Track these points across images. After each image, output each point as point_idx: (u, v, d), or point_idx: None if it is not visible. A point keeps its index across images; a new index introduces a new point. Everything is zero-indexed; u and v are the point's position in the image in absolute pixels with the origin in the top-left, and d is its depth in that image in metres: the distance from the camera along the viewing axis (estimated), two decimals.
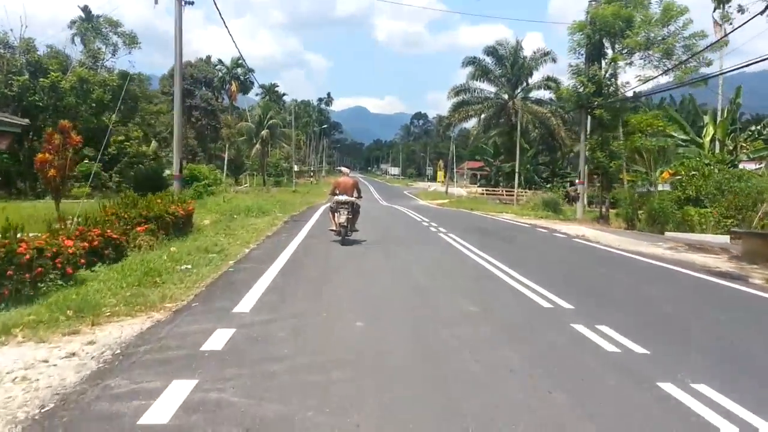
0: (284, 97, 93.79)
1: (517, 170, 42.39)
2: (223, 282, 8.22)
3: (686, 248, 15.84)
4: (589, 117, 26.84)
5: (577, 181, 25.33)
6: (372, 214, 23.82)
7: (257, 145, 67.30)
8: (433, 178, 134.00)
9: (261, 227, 15.49)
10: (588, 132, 27.90)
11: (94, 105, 30.21)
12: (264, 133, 66.82)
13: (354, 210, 13.13)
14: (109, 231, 9.31)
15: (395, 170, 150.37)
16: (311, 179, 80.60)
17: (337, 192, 13.17)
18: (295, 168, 51.92)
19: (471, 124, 62.86)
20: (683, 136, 28.97)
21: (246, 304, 6.80)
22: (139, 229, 10.86)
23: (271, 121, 67.94)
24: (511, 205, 40.69)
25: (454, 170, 65.75)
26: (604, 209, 25.98)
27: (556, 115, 52.36)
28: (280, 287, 7.90)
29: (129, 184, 30.34)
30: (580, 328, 6.31)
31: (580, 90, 24.15)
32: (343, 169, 16.35)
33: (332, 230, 13.14)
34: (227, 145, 46.54)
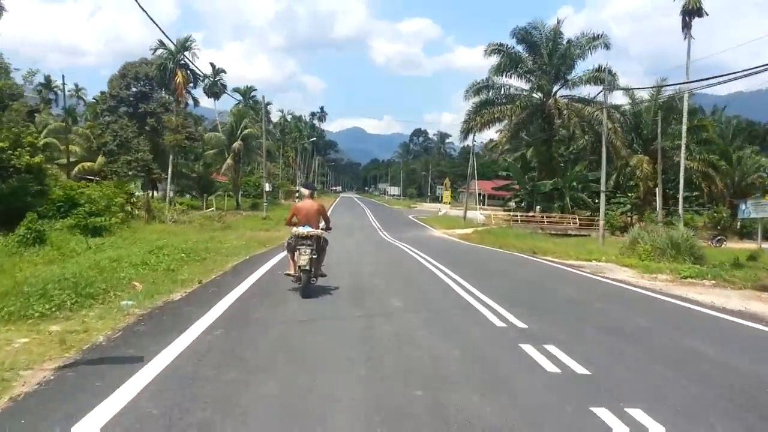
0: (270, 107, 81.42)
1: (602, 187, 29.30)
2: None
3: None
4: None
5: None
6: (366, 272, 11.35)
7: (228, 160, 55.00)
8: (437, 200, 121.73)
9: None
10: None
11: None
12: (236, 145, 54.52)
13: (320, 247, 8.94)
14: None
15: (395, 190, 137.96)
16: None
17: (297, 221, 9.05)
18: (267, 188, 39.44)
19: (490, 134, 50.69)
20: None
21: None
22: None
23: (245, 131, 55.71)
24: (582, 238, 28.25)
25: (476, 190, 52.87)
26: None
27: (611, 118, 40.13)
28: None
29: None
30: None
31: None
32: (304, 190, 10.22)
33: (289, 275, 9.00)
34: (171, 157, 34.16)
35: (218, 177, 62.39)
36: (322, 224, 9.23)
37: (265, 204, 39.64)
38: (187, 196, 60.22)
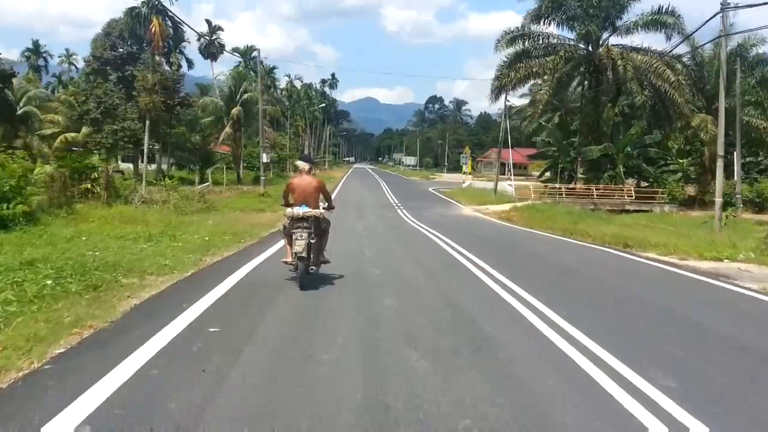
0: (274, 71, 74.87)
1: (719, 150, 20.98)
2: None
3: None
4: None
5: None
6: (387, 316, 5.58)
7: (227, 128, 49.21)
8: (455, 169, 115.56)
9: None
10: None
11: None
12: (235, 111, 48.65)
13: (319, 229, 7.79)
14: None
15: (411, 160, 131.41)
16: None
17: (292, 201, 7.86)
18: (265, 158, 33.51)
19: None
20: None
21: None
22: None
23: (245, 96, 49.66)
24: (644, 214, 22.30)
25: (510, 159, 46.22)
26: None
27: (674, 69, 33.59)
28: None
29: None
30: None
31: None
32: (300, 163, 8.38)
33: (287, 262, 7.81)
34: (147, 122, 28.32)
35: (221, 148, 56.85)
36: (322, 204, 8.06)
37: (262, 178, 33.74)
38: (188, 169, 54.92)
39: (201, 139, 50.43)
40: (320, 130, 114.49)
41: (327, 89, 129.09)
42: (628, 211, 29.03)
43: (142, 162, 54.02)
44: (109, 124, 44.91)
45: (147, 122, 28.19)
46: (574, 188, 35.08)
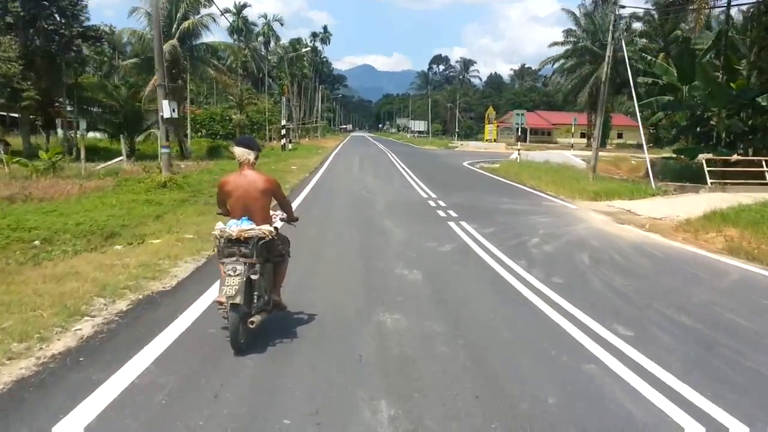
0: (246, 11, 57.66)
1: None
2: None
3: None
4: None
5: None
6: None
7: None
8: (467, 136, 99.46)
9: None
10: None
11: None
12: (169, 47, 32.24)
13: (272, 252, 4.86)
14: None
15: (419, 125, 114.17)
16: (287, 142, 45.52)
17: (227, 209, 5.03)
18: (167, 110, 16.98)
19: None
20: None
21: None
22: None
23: (186, 24, 33.21)
24: None
25: (596, 124, 29.47)
26: None
27: None
28: None
29: None
30: None
31: None
32: (238, 150, 4.74)
33: (218, 303, 4.68)
34: None
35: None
36: (279, 214, 5.20)
37: (163, 151, 17.30)
38: (115, 137, 38.54)
39: (127, 92, 34.37)
40: (311, 92, 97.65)
41: (319, 44, 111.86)
42: None
43: (45, 129, 37.95)
44: None
45: None
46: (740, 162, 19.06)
